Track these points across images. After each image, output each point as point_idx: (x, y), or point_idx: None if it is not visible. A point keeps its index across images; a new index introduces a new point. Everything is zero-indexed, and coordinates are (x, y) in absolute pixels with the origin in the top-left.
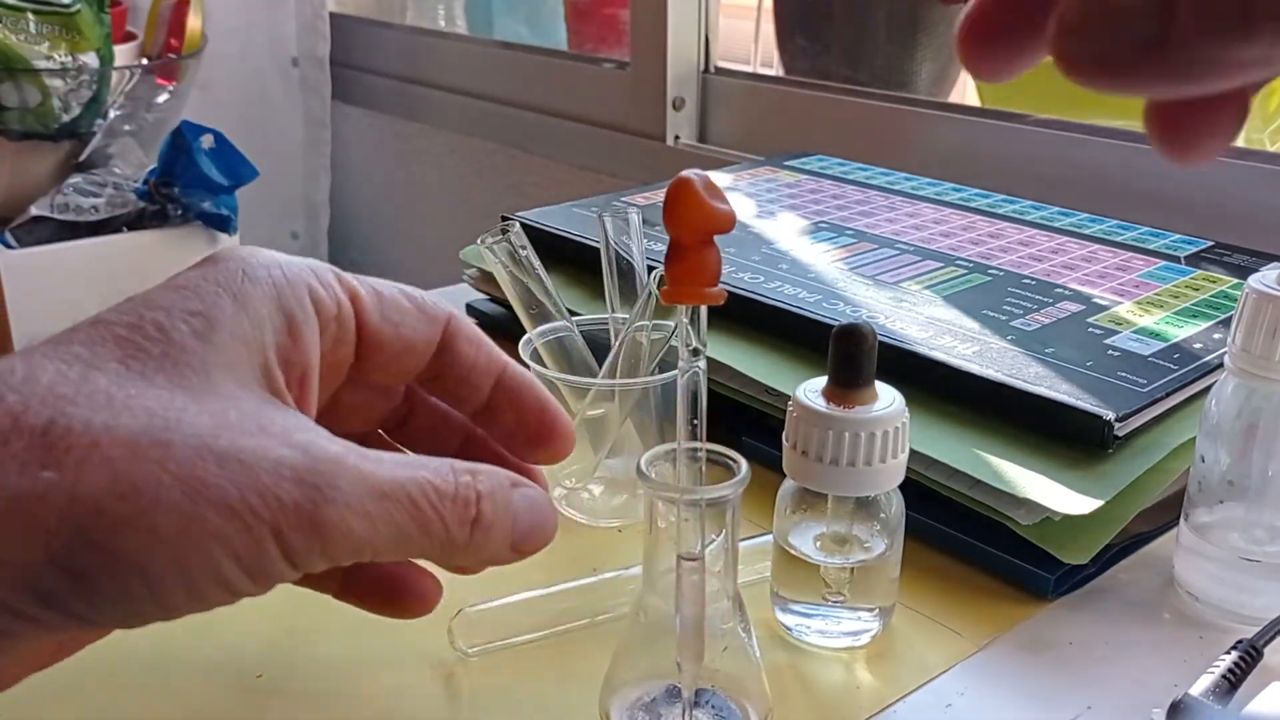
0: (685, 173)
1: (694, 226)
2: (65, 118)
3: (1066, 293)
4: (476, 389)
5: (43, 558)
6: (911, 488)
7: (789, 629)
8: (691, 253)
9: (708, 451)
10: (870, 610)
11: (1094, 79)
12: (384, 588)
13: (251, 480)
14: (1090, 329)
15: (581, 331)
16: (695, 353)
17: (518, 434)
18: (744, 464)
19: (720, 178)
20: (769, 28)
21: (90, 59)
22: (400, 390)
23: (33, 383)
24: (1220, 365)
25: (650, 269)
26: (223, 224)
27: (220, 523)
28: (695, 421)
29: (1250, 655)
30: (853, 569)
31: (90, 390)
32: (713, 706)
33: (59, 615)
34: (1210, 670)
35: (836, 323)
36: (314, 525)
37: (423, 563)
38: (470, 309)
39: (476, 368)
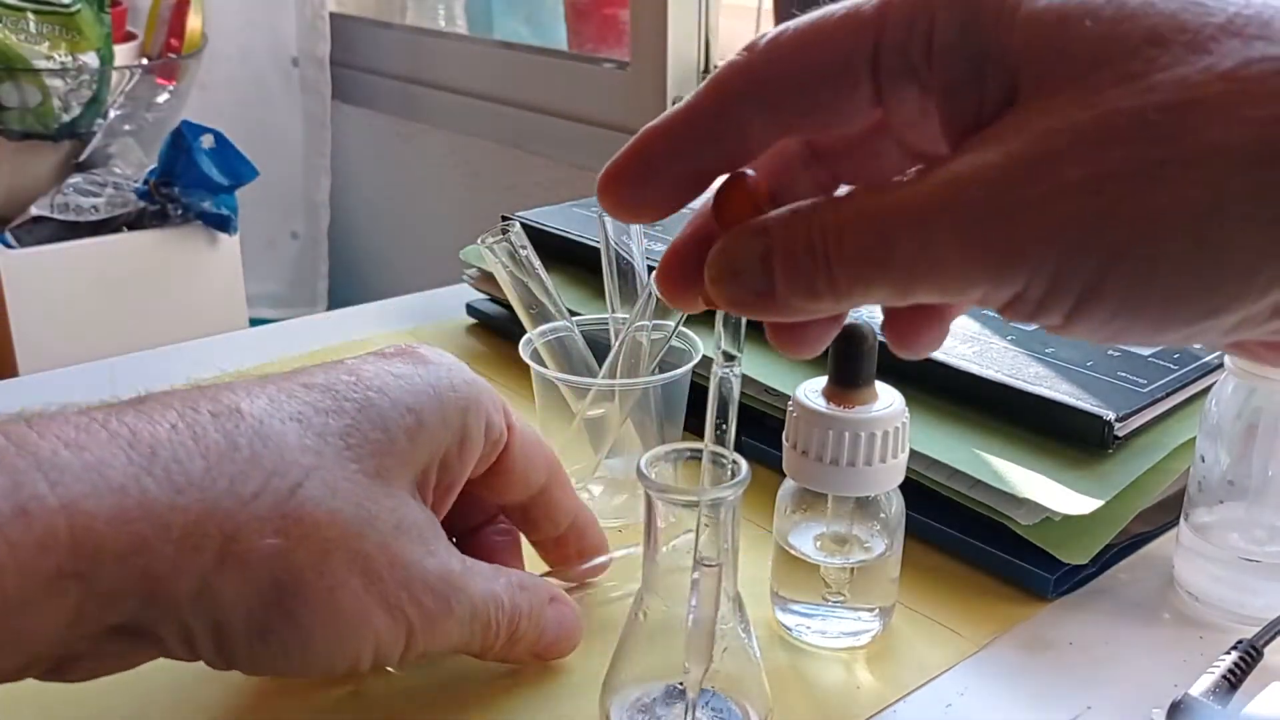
0: (738, 171)
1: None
2: (65, 118)
3: None
4: (555, 525)
5: (243, 607)
6: (911, 488)
7: (789, 629)
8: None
9: (705, 452)
10: (870, 610)
11: (737, 311)
12: None
13: (407, 584)
14: None
15: (581, 331)
16: (729, 358)
17: (563, 556)
18: (744, 464)
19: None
20: (769, 27)
21: (90, 59)
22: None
23: (280, 445)
24: (1220, 365)
25: (650, 269)
26: (223, 224)
27: (380, 614)
28: (723, 427)
29: (1250, 655)
30: (853, 569)
31: (321, 466)
32: (712, 707)
33: (221, 659)
34: (1210, 670)
35: None
36: (435, 629)
37: None
38: (470, 309)
39: (560, 504)
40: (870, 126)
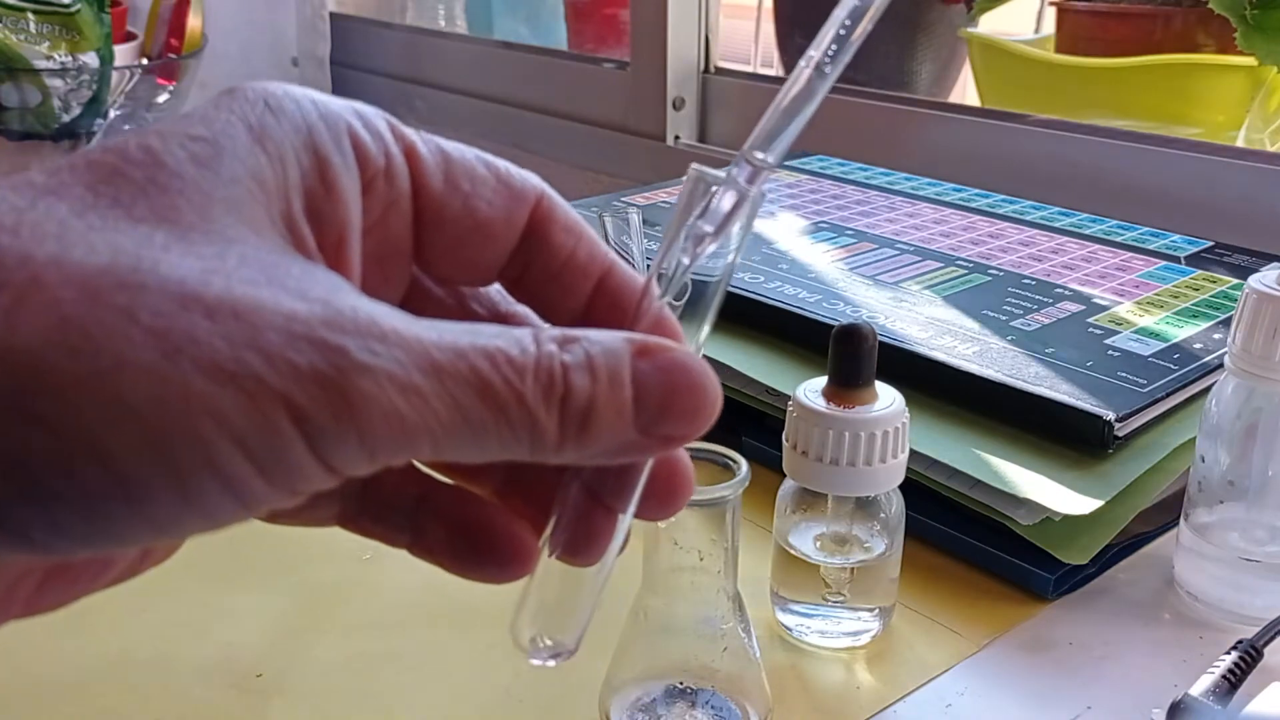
0: None
1: None
2: (65, 118)
3: (1067, 293)
4: (570, 292)
5: None
6: (911, 488)
7: (789, 629)
8: None
9: (707, 452)
10: (870, 610)
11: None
12: (466, 535)
13: (252, 337)
14: (1090, 329)
15: None
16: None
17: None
18: (744, 464)
19: None
20: (769, 28)
21: (90, 59)
22: (484, 297)
23: None
24: (1220, 365)
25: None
26: None
27: (213, 390)
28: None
29: (1250, 655)
30: (853, 569)
31: (38, 218)
32: (712, 706)
33: (3, 535)
34: (1210, 670)
35: (836, 323)
36: (343, 399)
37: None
38: None
39: (573, 263)
40: None
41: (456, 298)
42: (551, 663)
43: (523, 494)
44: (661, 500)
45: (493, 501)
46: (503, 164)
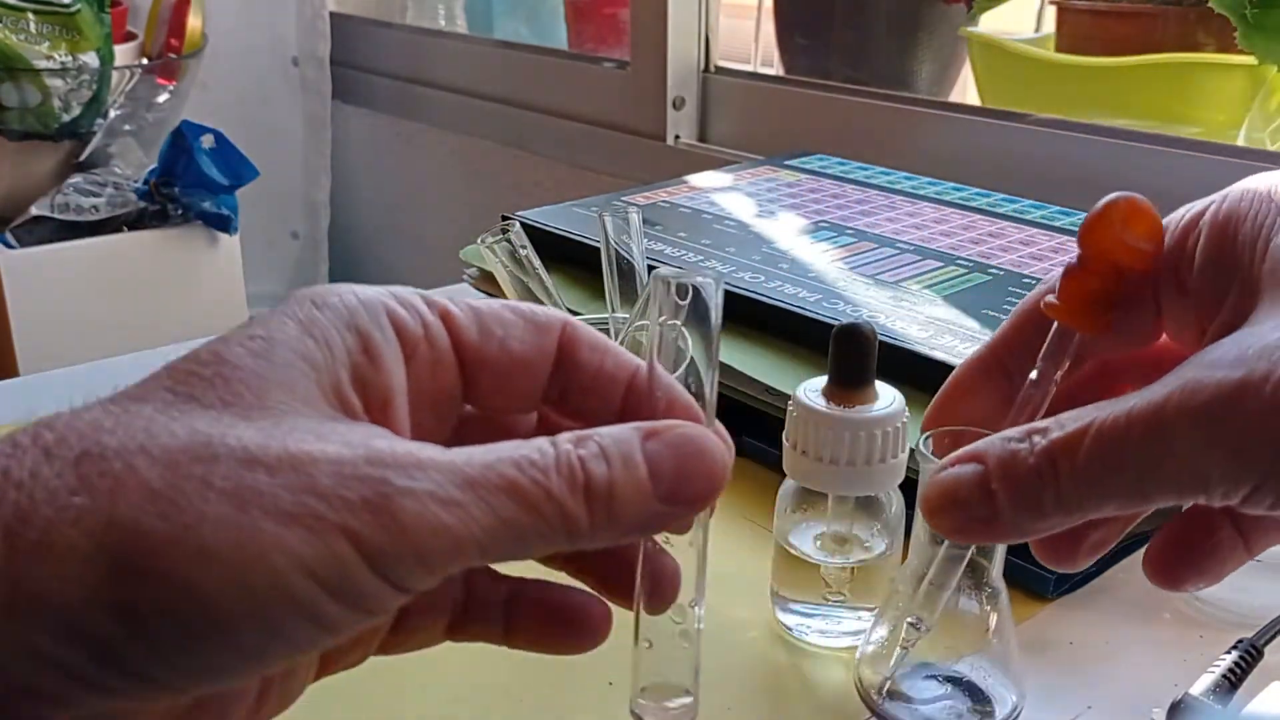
0: (1123, 196)
1: (1103, 250)
2: (65, 118)
3: None
4: (606, 399)
5: (82, 593)
6: (912, 487)
7: (789, 628)
8: (1090, 275)
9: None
10: (870, 610)
11: (962, 539)
12: (548, 619)
13: (308, 484)
14: None
15: None
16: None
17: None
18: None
19: (720, 177)
20: (769, 27)
21: (90, 59)
22: (532, 421)
23: (73, 420)
24: None
25: (650, 269)
26: (223, 224)
27: (280, 530)
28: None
29: (1250, 655)
30: (853, 569)
31: (130, 419)
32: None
33: (120, 675)
34: (1210, 670)
35: (836, 323)
36: (393, 519)
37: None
38: None
39: (603, 375)
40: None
41: (506, 430)
42: None
43: (585, 564)
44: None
45: (571, 585)
46: (527, 306)
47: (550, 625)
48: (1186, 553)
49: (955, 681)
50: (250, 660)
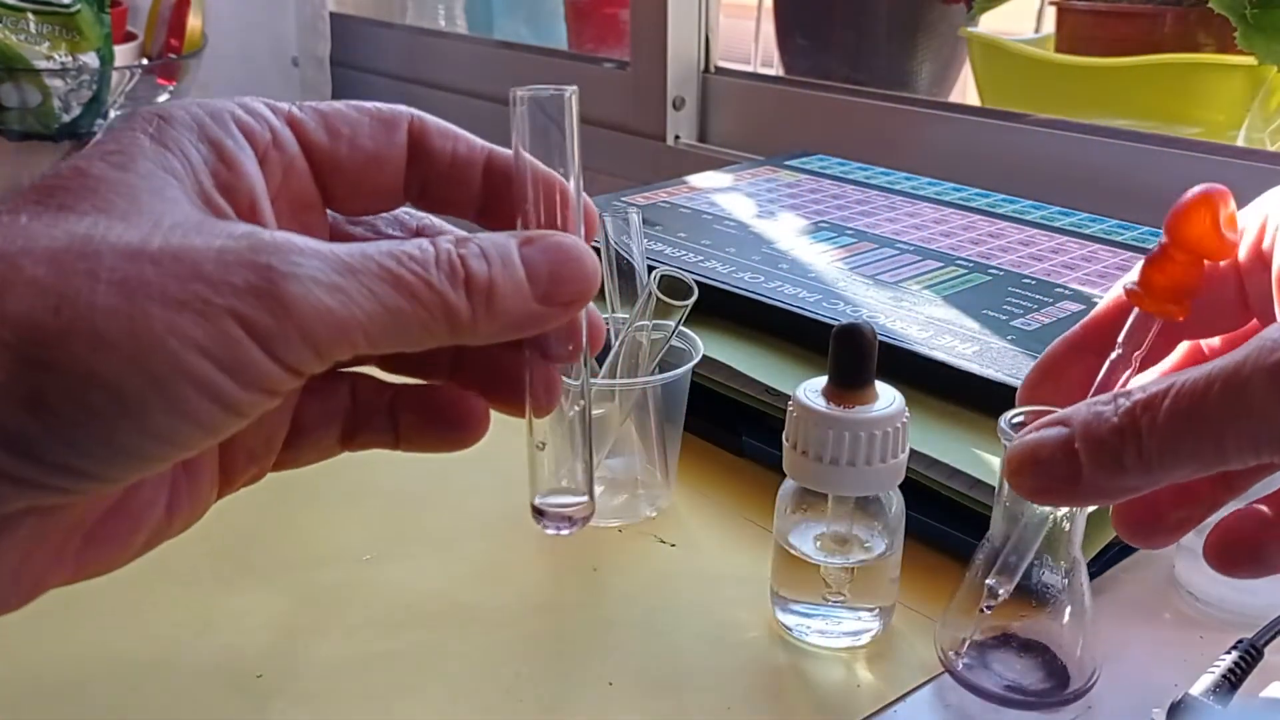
0: (1213, 188)
1: (1194, 242)
2: (65, 118)
3: (1067, 292)
4: (465, 185)
5: None
6: (911, 488)
7: (789, 629)
8: (1173, 264)
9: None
10: (870, 610)
11: (1041, 500)
12: (433, 416)
13: (194, 271)
14: None
15: None
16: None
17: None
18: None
19: (720, 178)
20: (769, 28)
21: (90, 59)
22: (397, 225)
23: None
24: None
25: (650, 269)
26: None
27: (169, 315)
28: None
29: (1250, 655)
30: (853, 569)
31: (4, 228)
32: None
33: (37, 466)
34: (1210, 670)
35: (836, 323)
36: (279, 304)
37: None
38: None
39: (458, 161)
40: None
41: (374, 232)
42: (566, 530)
43: (468, 376)
44: (591, 346)
45: (446, 386)
46: (372, 104)
47: (434, 424)
48: (1247, 538)
49: (1031, 648)
50: (164, 443)
